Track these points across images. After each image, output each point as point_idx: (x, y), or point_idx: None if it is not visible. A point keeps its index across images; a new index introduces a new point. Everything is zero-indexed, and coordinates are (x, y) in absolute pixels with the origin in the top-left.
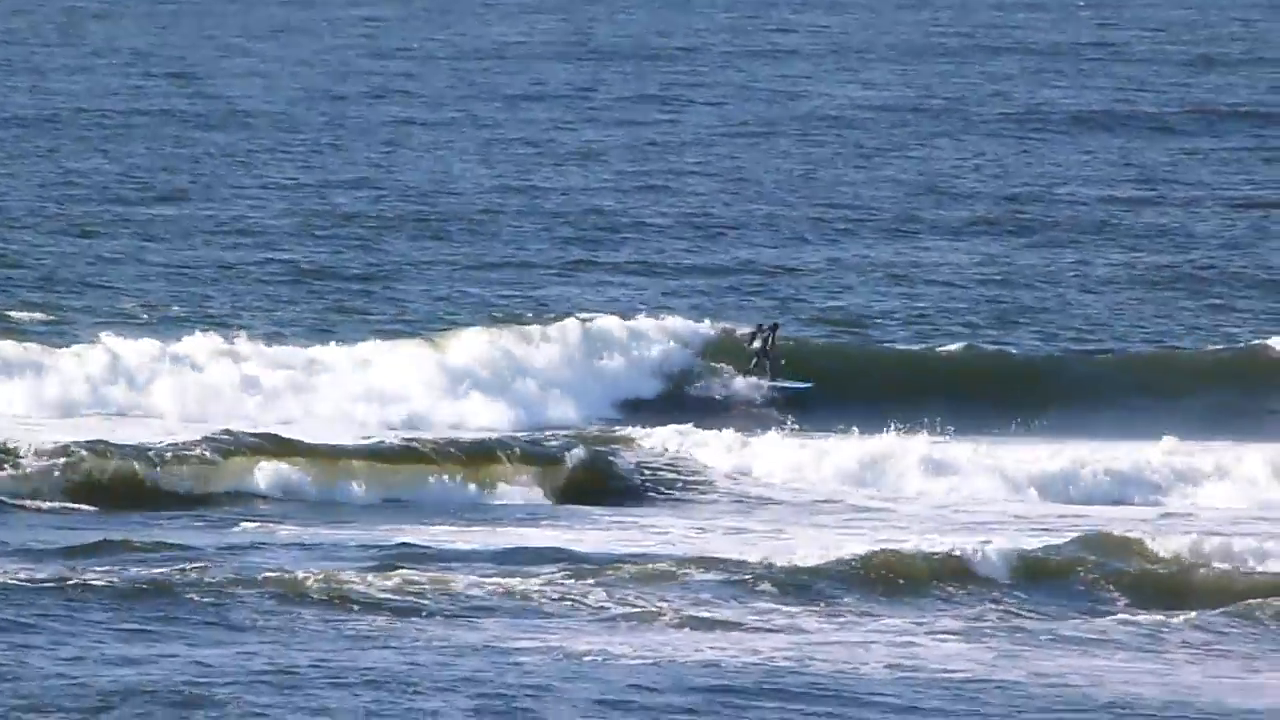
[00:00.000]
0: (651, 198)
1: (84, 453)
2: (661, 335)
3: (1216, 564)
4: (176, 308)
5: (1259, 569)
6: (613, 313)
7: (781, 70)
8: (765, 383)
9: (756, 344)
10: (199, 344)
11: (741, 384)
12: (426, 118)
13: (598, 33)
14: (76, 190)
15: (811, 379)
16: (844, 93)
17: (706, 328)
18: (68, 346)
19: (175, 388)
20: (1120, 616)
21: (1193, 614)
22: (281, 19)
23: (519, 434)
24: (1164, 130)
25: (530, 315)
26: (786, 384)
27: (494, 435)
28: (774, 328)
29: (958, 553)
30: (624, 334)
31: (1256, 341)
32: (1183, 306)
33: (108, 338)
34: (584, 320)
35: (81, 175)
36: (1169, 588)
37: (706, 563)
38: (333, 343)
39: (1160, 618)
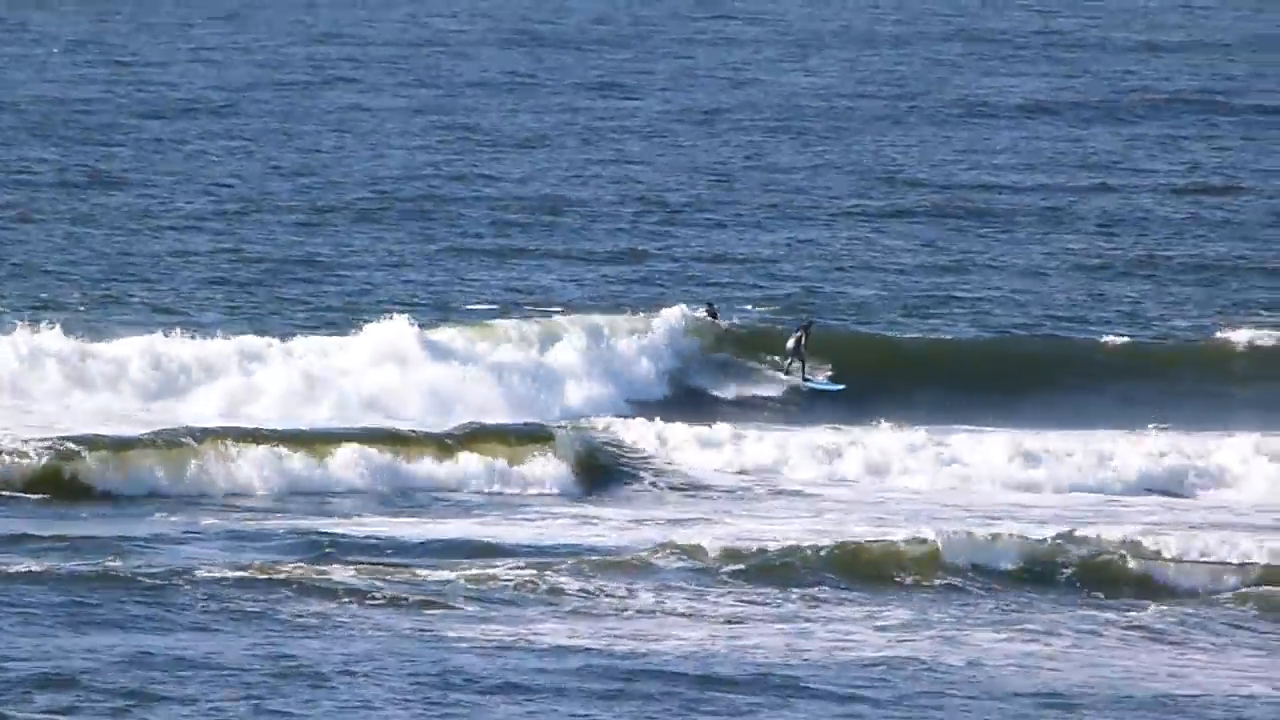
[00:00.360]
0: (598, 185)
1: (36, 444)
2: (664, 329)
3: (1178, 557)
4: (114, 296)
5: (1224, 561)
6: (569, 300)
7: (727, 57)
8: (799, 382)
9: (790, 343)
10: (155, 336)
11: (736, 378)
12: (370, 104)
13: (541, 19)
14: (17, 177)
15: (844, 382)
16: (790, 80)
17: (705, 320)
18: (7, 334)
19: (135, 378)
20: (1071, 605)
21: (1148, 605)
22: (222, 6)
23: (486, 424)
24: (1109, 117)
25: (501, 306)
26: (819, 385)
27: (473, 424)
28: (808, 326)
29: (910, 542)
30: (624, 328)
31: (1224, 334)
32: (1126, 293)
33: (50, 327)
34: (571, 314)
35: (22, 163)
36: (1124, 579)
37: (659, 551)
38: (300, 334)
39: (1110, 606)
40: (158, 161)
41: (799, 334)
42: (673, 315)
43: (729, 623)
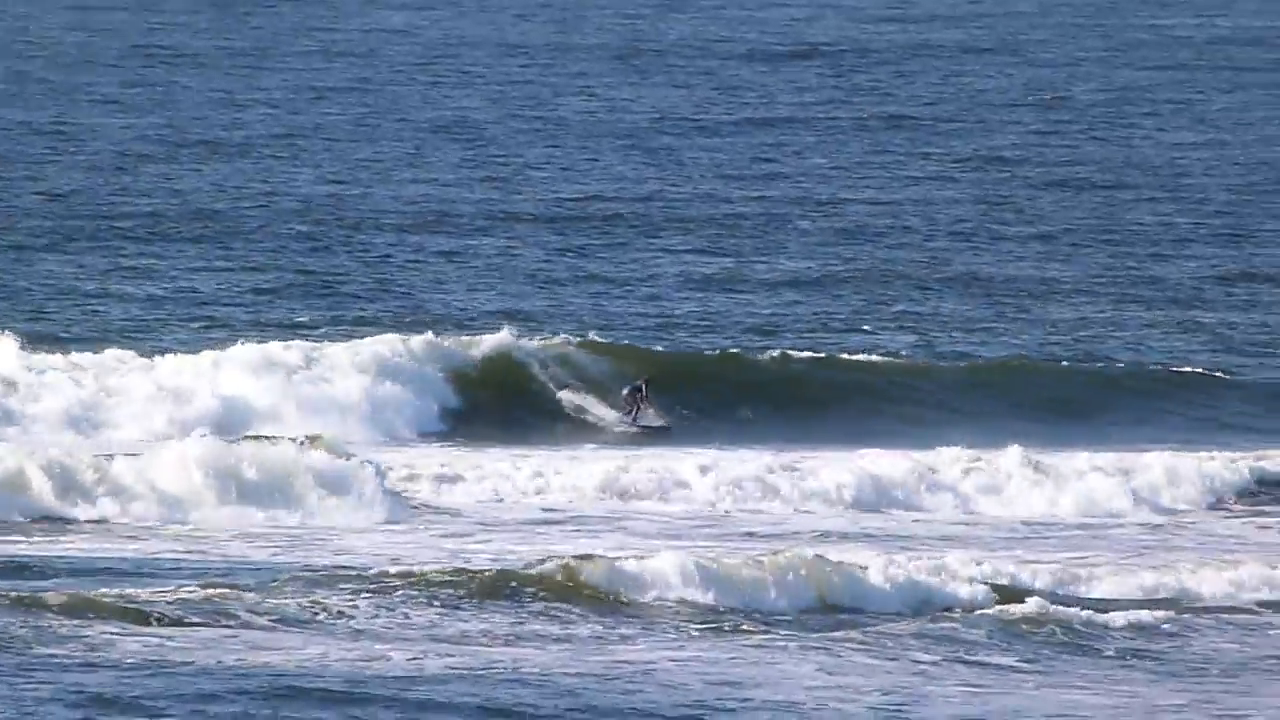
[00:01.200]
0: (238, 198)
1: None
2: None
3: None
4: None
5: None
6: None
7: (356, 70)
8: (625, 419)
9: (626, 391)
10: None
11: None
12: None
13: (158, 33)
14: None
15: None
16: (431, 93)
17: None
18: None
19: None
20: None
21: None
22: None
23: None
24: (741, 127)
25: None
26: (644, 423)
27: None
28: (646, 382)
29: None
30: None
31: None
32: (746, 305)
33: None
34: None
35: None
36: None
37: (370, 574)
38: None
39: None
40: None
41: (633, 387)
42: (388, 338)
43: (350, 638)
